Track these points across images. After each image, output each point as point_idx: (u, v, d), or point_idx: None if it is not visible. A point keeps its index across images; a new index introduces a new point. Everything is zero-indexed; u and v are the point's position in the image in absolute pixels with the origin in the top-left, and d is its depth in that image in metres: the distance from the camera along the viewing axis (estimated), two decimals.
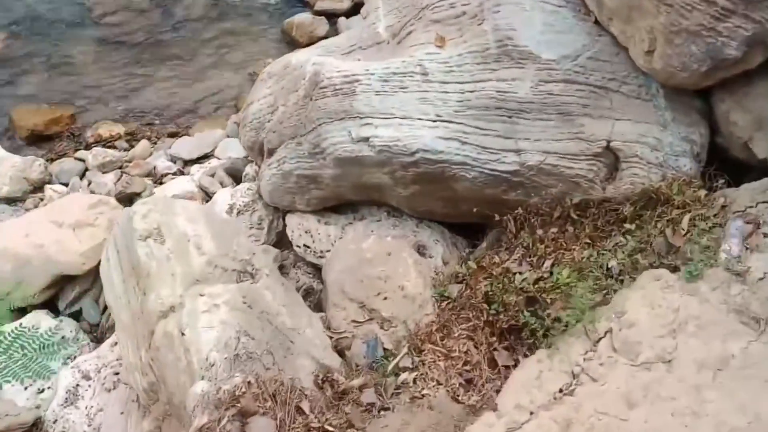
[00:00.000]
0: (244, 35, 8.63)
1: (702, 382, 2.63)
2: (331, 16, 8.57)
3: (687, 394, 2.61)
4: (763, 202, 3.35)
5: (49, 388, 3.96)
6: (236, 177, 5.25)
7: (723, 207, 3.43)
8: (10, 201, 5.88)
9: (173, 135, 6.99)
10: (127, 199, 5.21)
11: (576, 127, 3.72)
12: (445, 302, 3.71)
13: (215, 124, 7.05)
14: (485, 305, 3.58)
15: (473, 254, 4.15)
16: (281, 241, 4.75)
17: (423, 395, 3.22)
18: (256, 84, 5.02)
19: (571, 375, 2.95)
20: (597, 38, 3.82)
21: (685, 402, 2.58)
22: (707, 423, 2.51)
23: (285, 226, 4.64)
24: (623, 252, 3.49)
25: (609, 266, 3.49)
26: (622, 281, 3.35)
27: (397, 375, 3.36)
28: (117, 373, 3.74)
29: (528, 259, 3.78)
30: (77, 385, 3.90)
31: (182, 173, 5.88)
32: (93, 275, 4.39)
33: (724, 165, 3.82)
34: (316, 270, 4.45)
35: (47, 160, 6.58)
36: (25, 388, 3.96)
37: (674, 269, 3.19)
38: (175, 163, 6.17)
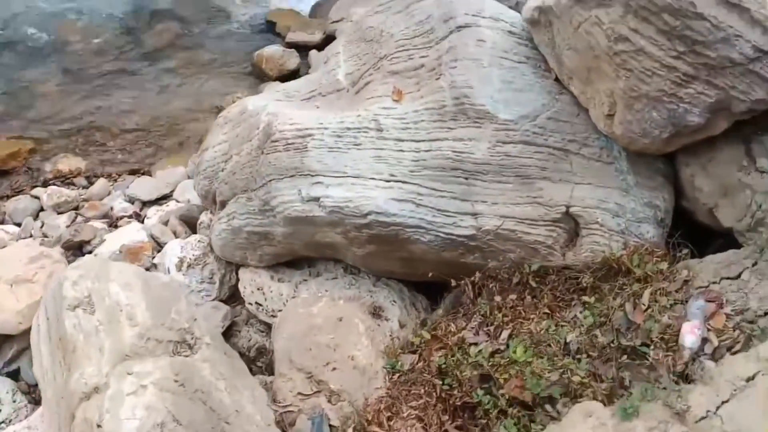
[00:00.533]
0: (214, 67, 8.50)
1: None
2: (303, 49, 8.45)
3: None
4: (727, 278, 3.20)
5: None
6: (191, 224, 5.04)
7: (686, 281, 3.27)
8: None
9: (134, 172, 6.77)
10: (77, 247, 4.98)
11: (534, 190, 3.57)
12: (397, 375, 3.52)
13: (178, 160, 6.83)
14: (438, 379, 3.39)
15: (430, 318, 3.96)
16: (235, 295, 4.55)
17: None
18: (213, 128, 4.83)
19: None
20: (557, 97, 3.67)
21: None
22: None
23: (238, 280, 4.44)
24: (581, 327, 3.32)
25: (567, 341, 3.32)
26: (579, 360, 3.18)
27: None
28: None
29: (485, 328, 3.60)
30: None
31: (138, 216, 5.66)
32: None
33: (691, 230, 3.69)
34: (269, 328, 4.24)
35: (1, 198, 6.36)
36: None
37: (609, 396, 2.94)
38: (133, 203, 5.94)
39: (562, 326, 3.43)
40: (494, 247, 3.63)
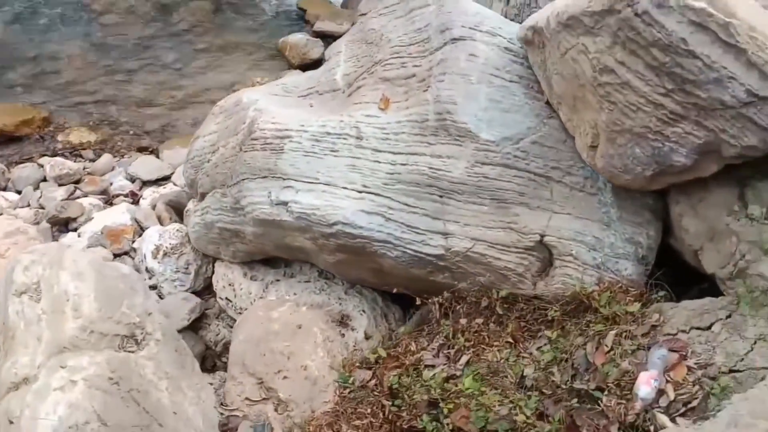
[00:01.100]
0: (240, 49, 8.45)
1: None
2: (329, 39, 8.33)
3: None
4: (698, 327, 3.02)
5: None
6: (179, 210, 5.01)
7: (654, 326, 3.10)
8: None
9: (143, 149, 6.79)
10: (63, 224, 4.99)
11: (510, 216, 3.42)
12: (348, 390, 3.43)
13: (187, 141, 6.78)
14: (388, 400, 3.29)
15: (396, 333, 3.86)
16: (210, 287, 4.51)
17: None
18: (207, 117, 4.78)
19: None
20: (546, 121, 3.51)
21: None
22: None
23: (214, 272, 4.40)
24: (540, 362, 3.18)
25: (524, 374, 3.19)
26: (530, 396, 3.05)
27: None
28: None
29: (446, 351, 3.49)
30: None
31: (135, 195, 5.65)
32: None
33: (679, 269, 3.51)
34: None
35: (10, 164, 6.42)
36: None
37: None
38: (133, 182, 5.95)
39: (523, 357, 3.30)
40: (463, 269, 3.51)
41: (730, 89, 2.75)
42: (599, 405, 2.89)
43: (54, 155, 6.55)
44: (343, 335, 3.82)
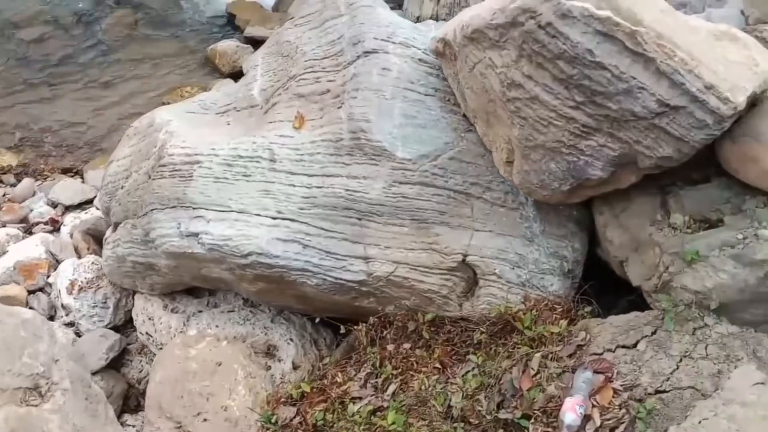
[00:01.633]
0: (168, 58, 8.16)
1: None
2: (260, 44, 8.07)
3: None
4: (623, 346, 2.94)
5: None
6: (99, 239, 4.76)
7: (580, 346, 3.01)
8: None
9: (67, 171, 6.49)
10: None
11: (431, 236, 3.30)
12: (271, 430, 3.26)
13: None
14: None
15: (322, 363, 3.70)
16: (131, 321, 4.29)
17: None
18: (122, 139, 4.53)
19: None
20: (463, 135, 3.40)
21: None
22: None
23: (134, 305, 4.18)
24: (467, 389, 3.06)
25: (451, 404, 3.07)
26: (455, 428, 2.93)
27: None
28: None
29: (373, 381, 3.35)
30: None
31: (55, 222, 5.37)
32: None
33: (607, 278, 3.43)
34: None
35: None
36: None
37: None
38: (55, 207, 5.66)
39: (451, 384, 3.18)
40: (387, 294, 3.38)
41: (641, 100, 2.67)
42: None
43: None
44: (269, 367, 3.66)
